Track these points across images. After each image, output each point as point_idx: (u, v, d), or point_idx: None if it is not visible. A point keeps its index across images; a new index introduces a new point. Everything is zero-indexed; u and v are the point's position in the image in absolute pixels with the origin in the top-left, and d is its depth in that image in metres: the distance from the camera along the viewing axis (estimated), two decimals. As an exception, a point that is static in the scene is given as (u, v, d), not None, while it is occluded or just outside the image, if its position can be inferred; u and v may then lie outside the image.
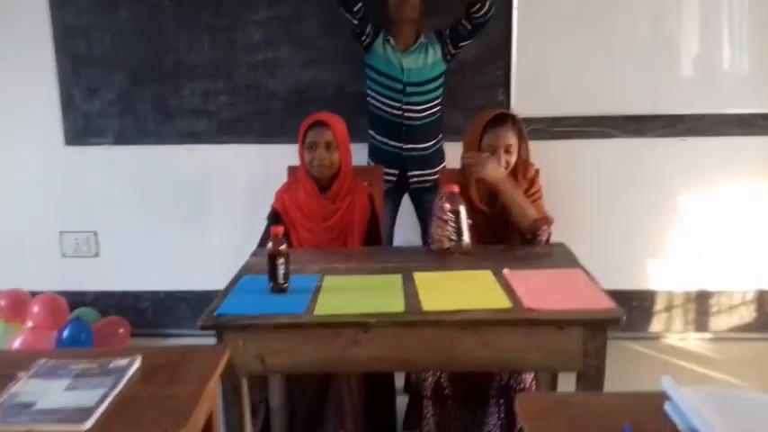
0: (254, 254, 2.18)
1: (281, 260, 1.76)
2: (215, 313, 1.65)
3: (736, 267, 3.20)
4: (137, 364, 1.33)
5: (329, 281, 1.86)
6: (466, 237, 1.99)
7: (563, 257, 2.05)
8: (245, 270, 2.01)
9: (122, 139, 3.28)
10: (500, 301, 1.66)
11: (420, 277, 1.86)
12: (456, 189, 1.98)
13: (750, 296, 3.23)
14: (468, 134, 2.28)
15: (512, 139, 2.19)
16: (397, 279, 1.86)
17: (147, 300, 3.45)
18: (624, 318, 1.56)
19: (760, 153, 3.10)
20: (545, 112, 3.11)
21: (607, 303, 1.63)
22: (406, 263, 2.02)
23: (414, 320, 1.59)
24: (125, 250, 3.41)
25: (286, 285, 1.78)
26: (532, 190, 2.26)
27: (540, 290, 1.74)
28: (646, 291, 3.27)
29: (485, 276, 1.86)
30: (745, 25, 2.99)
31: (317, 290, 1.79)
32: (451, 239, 1.97)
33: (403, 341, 1.61)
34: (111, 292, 3.45)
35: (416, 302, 1.67)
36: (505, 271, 1.89)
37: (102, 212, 3.38)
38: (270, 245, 1.78)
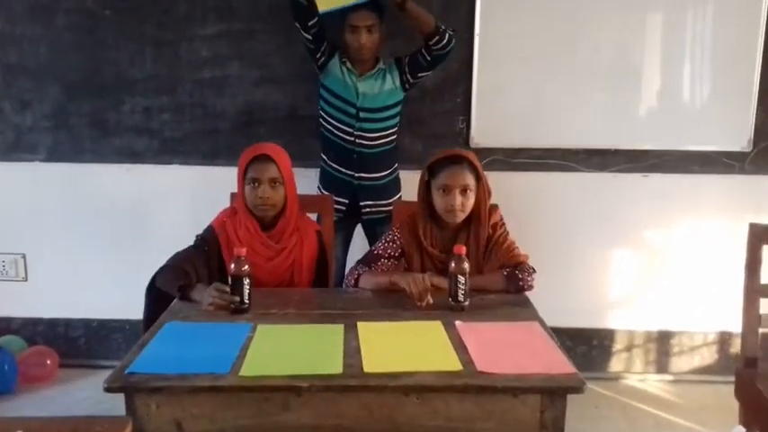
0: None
1: (246, 281, 1.79)
2: (126, 371, 1.45)
3: (699, 307, 3.10)
4: (17, 442, 1.13)
5: (262, 331, 1.67)
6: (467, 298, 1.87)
7: (520, 307, 1.91)
8: (169, 314, 1.81)
9: (55, 155, 3.05)
10: (450, 362, 1.50)
11: (364, 329, 1.69)
12: (464, 250, 1.84)
13: (712, 337, 3.14)
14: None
15: (468, 179, 2.03)
16: (338, 330, 1.68)
17: (79, 328, 3.21)
18: (585, 386, 1.41)
19: (723, 191, 3.02)
20: (505, 143, 2.99)
21: (567, 368, 1.47)
22: (351, 309, 1.85)
23: (352, 384, 1.42)
24: (56, 275, 3.17)
25: (247, 306, 1.82)
26: (497, 234, 2.11)
27: (495, 348, 1.58)
28: (605, 329, 3.15)
29: (435, 329, 1.70)
30: (709, 63, 2.92)
31: (248, 342, 1.60)
32: (458, 300, 1.84)
33: (340, 407, 1.43)
34: (40, 319, 3.20)
35: (357, 361, 1.49)
36: (457, 323, 1.73)
37: (32, 234, 3.14)
38: (233, 266, 1.79)
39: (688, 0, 2.89)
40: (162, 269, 2.06)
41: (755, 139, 2.94)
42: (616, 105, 2.96)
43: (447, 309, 1.84)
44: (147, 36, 2.93)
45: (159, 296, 2.00)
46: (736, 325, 3.03)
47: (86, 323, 3.20)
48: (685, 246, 3.08)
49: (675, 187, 3.02)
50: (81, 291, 3.17)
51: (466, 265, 1.83)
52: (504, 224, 2.15)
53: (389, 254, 2.14)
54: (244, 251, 1.79)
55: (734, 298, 2.98)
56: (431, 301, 1.87)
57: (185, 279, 1.96)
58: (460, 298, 1.84)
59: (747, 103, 2.91)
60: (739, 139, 2.95)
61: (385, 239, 2.17)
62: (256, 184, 2.09)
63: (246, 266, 1.78)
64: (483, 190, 2.08)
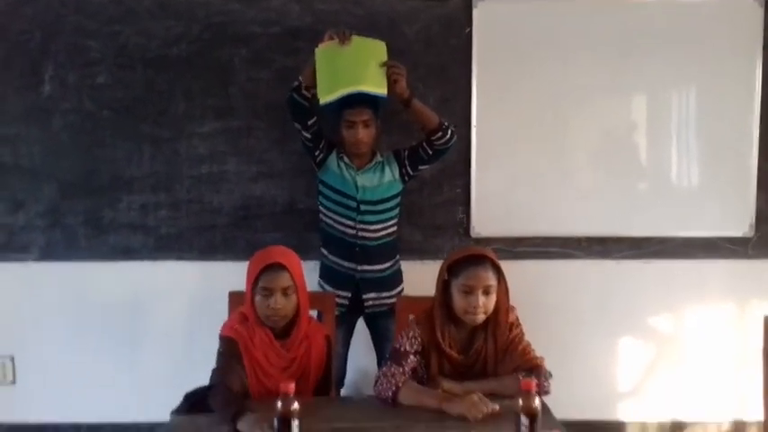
0: (178, 410, 1.88)
1: (296, 422, 1.55)
2: None
3: (711, 396, 3.03)
4: None
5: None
6: None
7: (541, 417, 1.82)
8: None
9: (48, 254, 3.00)
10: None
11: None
12: (533, 386, 1.58)
13: (725, 427, 3.05)
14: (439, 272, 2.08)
15: (491, 279, 1.99)
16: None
17: (68, 433, 3.08)
18: None
19: (727, 277, 3.00)
20: (506, 232, 2.98)
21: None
22: (360, 422, 1.77)
23: None
24: (45, 377, 3.05)
25: None
26: (512, 335, 2.06)
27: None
28: (615, 422, 3.06)
29: (451, 447, 1.62)
30: (708, 148, 2.95)
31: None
32: None
33: None
34: (27, 424, 3.06)
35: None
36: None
37: (21, 335, 3.04)
38: (279, 404, 1.56)
39: (686, 85, 2.94)
40: (211, 389, 1.91)
41: (757, 224, 2.95)
42: (615, 192, 2.96)
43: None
44: (144, 135, 2.94)
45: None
46: (749, 413, 2.99)
47: (76, 428, 3.06)
48: (692, 333, 3.03)
49: (679, 274, 3.00)
50: (71, 394, 3.05)
51: (537, 404, 1.57)
52: (519, 324, 2.10)
53: (415, 349, 2.05)
54: (292, 387, 1.58)
55: (745, 385, 2.95)
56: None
57: (237, 404, 1.80)
58: None
59: (747, 188, 2.93)
60: (741, 224, 2.95)
61: (406, 335, 2.07)
62: (268, 294, 2.01)
63: (296, 405, 1.57)
64: (503, 289, 2.03)
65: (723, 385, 3.02)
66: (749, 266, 2.98)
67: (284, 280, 2.01)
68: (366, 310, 2.74)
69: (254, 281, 2.02)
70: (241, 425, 1.71)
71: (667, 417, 3.05)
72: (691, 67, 2.92)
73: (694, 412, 3.05)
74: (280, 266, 2.02)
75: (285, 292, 2.01)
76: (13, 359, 3.06)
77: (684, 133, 2.96)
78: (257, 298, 2.02)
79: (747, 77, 2.91)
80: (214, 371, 2.00)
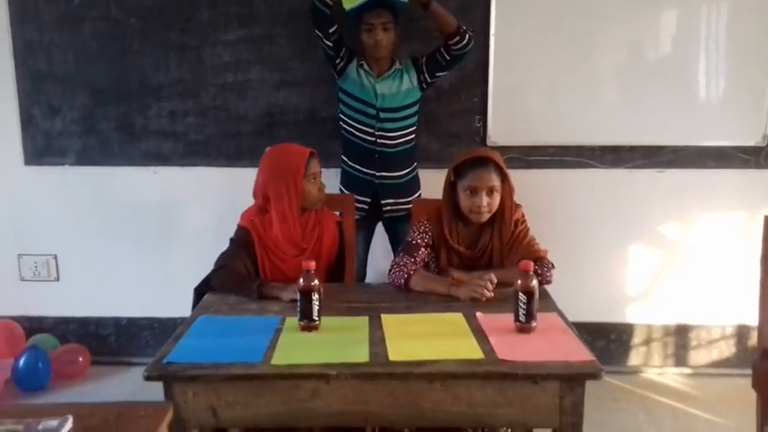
0: (201, 289, 2.07)
1: (316, 296, 1.69)
2: (164, 360, 1.53)
3: (716, 301, 3.14)
4: (68, 425, 1.20)
5: (291, 322, 1.75)
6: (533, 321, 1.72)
7: (539, 299, 1.95)
8: (201, 308, 1.89)
9: (84, 159, 3.15)
10: (472, 350, 1.56)
11: (387, 320, 1.76)
12: (531, 266, 1.73)
13: (729, 331, 3.17)
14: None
15: (494, 180, 2.08)
16: (363, 322, 1.75)
17: (109, 326, 3.31)
18: (603, 372, 1.47)
19: (738, 185, 3.05)
20: (521, 141, 3.04)
21: (585, 355, 1.53)
22: (374, 302, 1.92)
23: (378, 372, 1.49)
24: (86, 274, 3.27)
25: (318, 323, 1.71)
26: (518, 230, 2.17)
27: (515, 337, 1.65)
28: (624, 324, 3.19)
29: (456, 320, 1.76)
30: (724, 59, 2.95)
31: (278, 333, 1.68)
32: (519, 320, 1.71)
33: (367, 394, 1.50)
34: (72, 317, 3.30)
35: (382, 351, 1.57)
36: (478, 315, 1.79)
37: (63, 235, 3.24)
38: (301, 281, 1.70)
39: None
40: (216, 272, 2.10)
41: (770, 133, 2.98)
42: (631, 102, 2.99)
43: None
44: (171, 42, 3.02)
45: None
46: (753, 318, 3.07)
47: (116, 321, 3.30)
48: (702, 240, 3.11)
49: (691, 182, 3.06)
50: (111, 290, 3.26)
51: (534, 283, 1.70)
52: (525, 221, 2.21)
53: (426, 242, 2.18)
54: (312, 264, 1.72)
55: (751, 291, 3.03)
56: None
57: (253, 280, 2.01)
58: (521, 318, 1.69)
59: (762, 98, 2.94)
60: (754, 134, 2.97)
61: (418, 230, 2.20)
62: (315, 179, 2.18)
63: (316, 281, 1.71)
64: (507, 189, 2.13)
65: (729, 291, 3.11)
66: (760, 176, 3.02)
67: (318, 166, 2.19)
68: (384, 215, 2.86)
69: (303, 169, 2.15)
70: (272, 291, 1.90)
71: (673, 320, 3.18)
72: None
73: (699, 316, 3.16)
74: (314, 155, 2.20)
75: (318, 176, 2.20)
76: (56, 258, 3.27)
77: (701, 43, 2.95)
78: (307, 185, 2.15)
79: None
80: (221, 254, 2.17)
